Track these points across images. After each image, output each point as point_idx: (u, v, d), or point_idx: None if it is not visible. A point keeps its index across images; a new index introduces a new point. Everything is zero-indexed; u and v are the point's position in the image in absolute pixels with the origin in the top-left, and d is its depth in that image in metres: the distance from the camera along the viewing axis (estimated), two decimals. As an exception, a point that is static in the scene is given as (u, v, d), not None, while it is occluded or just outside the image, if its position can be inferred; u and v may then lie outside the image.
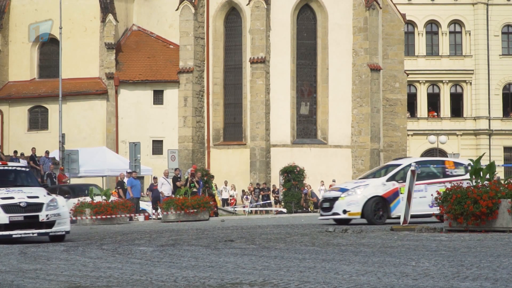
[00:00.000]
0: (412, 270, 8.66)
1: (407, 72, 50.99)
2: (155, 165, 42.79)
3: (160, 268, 9.65)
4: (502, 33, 60.64)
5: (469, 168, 21.19)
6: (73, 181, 37.54)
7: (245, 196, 44.15)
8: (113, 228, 23.86)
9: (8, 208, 15.48)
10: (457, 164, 21.80)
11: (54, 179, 35.56)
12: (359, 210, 20.54)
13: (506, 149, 60.02)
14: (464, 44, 60.65)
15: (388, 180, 20.80)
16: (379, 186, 20.76)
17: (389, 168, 21.64)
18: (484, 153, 27.46)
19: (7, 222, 15.37)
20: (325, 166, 45.74)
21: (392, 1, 49.58)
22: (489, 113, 60.03)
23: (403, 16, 50.19)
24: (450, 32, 60.70)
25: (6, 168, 17.69)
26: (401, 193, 20.48)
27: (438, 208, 20.26)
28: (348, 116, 46.74)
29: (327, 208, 21.18)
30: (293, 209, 40.71)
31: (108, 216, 28.64)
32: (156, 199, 32.88)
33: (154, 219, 32.20)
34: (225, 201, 44.09)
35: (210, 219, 29.35)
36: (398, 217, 20.23)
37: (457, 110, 61.00)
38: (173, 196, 31.24)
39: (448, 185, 19.52)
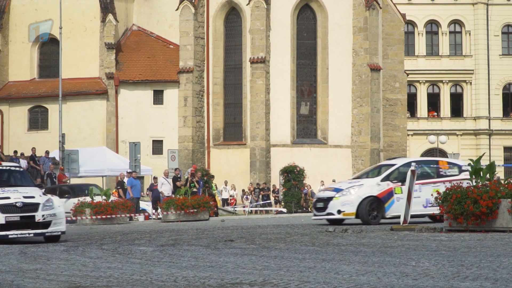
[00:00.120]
0: (412, 270, 8.66)
1: (407, 72, 50.99)
2: (155, 165, 42.79)
3: (160, 268, 9.65)
4: (502, 33, 60.65)
5: (463, 168, 21.36)
6: (73, 181, 37.53)
7: (245, 196, 44.15)
8: (113, 228, 23.86)
9: (4, 208, 15.30)
10: (450, 164, 21.82)
11: (54, 179, 35.56)
12: (354, 210, 20.48)
13: (506, 149, 60.02)
14: (464, 44, 60.66)
15: (382, 180, 20.75)
16: (374, 186, 20.71)
17: (382, 168, 21.60)
18: (484, 153, 27.48)
19: (3, 222, 15.19)
20: (325, 166, 45.74)
21: (392, 1, 49.58)
22: (489, 113, 60.04)
23: (403, 16, 50.20)
24: (450, 32, 60.71)
25: (0, 168, 17.40)
26: (396, 193, 20.49)
27: (433, 208, 20.44)
28: (348, 116, 46.75)
29: (321, 208, 21.08)
30: (293, 209, 40.72)
31: (108, 216, 28.64)
32: (156, 199, 32.88)
33: (154, 219, 32.20)
34: (225, 201, 44.09)
35: (210, 219, 29.35)
36: (393, 217, 20.28)
37: (457, 110, 61.01)
38: (173, 196, 31.24)
39: (442, 185, 19.66)
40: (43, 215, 15.47)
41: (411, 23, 59.24)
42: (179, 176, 34.36)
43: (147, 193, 38.02)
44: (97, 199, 29.25)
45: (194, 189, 31.97)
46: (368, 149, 46.37)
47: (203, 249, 12.65)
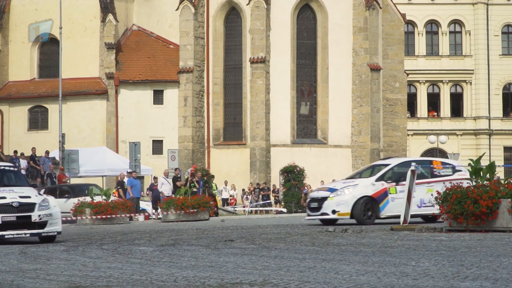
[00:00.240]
0: (412, 270, 8.66)
1: (407, 72, 51.00)
2: (155, 165, 42.79)
3: (160, 268, 9.65)
4: (502, 33, 60.65)
5: (457, 168, 21.39)
6: (73, 181, 37.53)
7: (245, 196, 44.16)
8: (113, 228, 23.86)
9: (0, 208, 15.13)
10: (444, 164, 21.82)
11: (54, 179, 35.57)
12: (349, 210, 20.42)
13: (506, 149, 60.02)
14: (464, 44, 60.65)
15: (377, 180, 20.71)
16: (368, 186, 20.67)
17: (376, 168, 21.56)
18: (484, 153, 27.46)
19: (0, 222, 15.05)
20: (325, 166, 45.75)
21: (392, 1, 49.59)
22: (489, 113, 60.04)
23: (403, 16, 50.20)
24: (450, 32, 60.71)
25: None
26: (390, 193, 20.49)
27: (428, 208, 20.48)
28: (348, 116, 46.76)
29: (315, 208, 20.95)
30: (293, 209, 40.73)
31: (108, 216, 28.64)
32: (156, 199, 32.88)
33: (154, 219, 32.20)
34: (225, 201, 44.10)
35: (210, 219, 29.35)
36: (387, 217, 20.29)
37: (457, 110, 61.01)
38: (173, 196, 31.24)
39: (436, 185, 19.70)
40: (39, 215, 15.33)
41: (411, 23, 59.24)
42: (179, 176, 34.36)
43: (147, 193, 38.02)
44: (97, 199, 29.26)
45: (194, 189, 31.97)
46: (368, 149, 46.38)
47: (203, 249, 12.65)
